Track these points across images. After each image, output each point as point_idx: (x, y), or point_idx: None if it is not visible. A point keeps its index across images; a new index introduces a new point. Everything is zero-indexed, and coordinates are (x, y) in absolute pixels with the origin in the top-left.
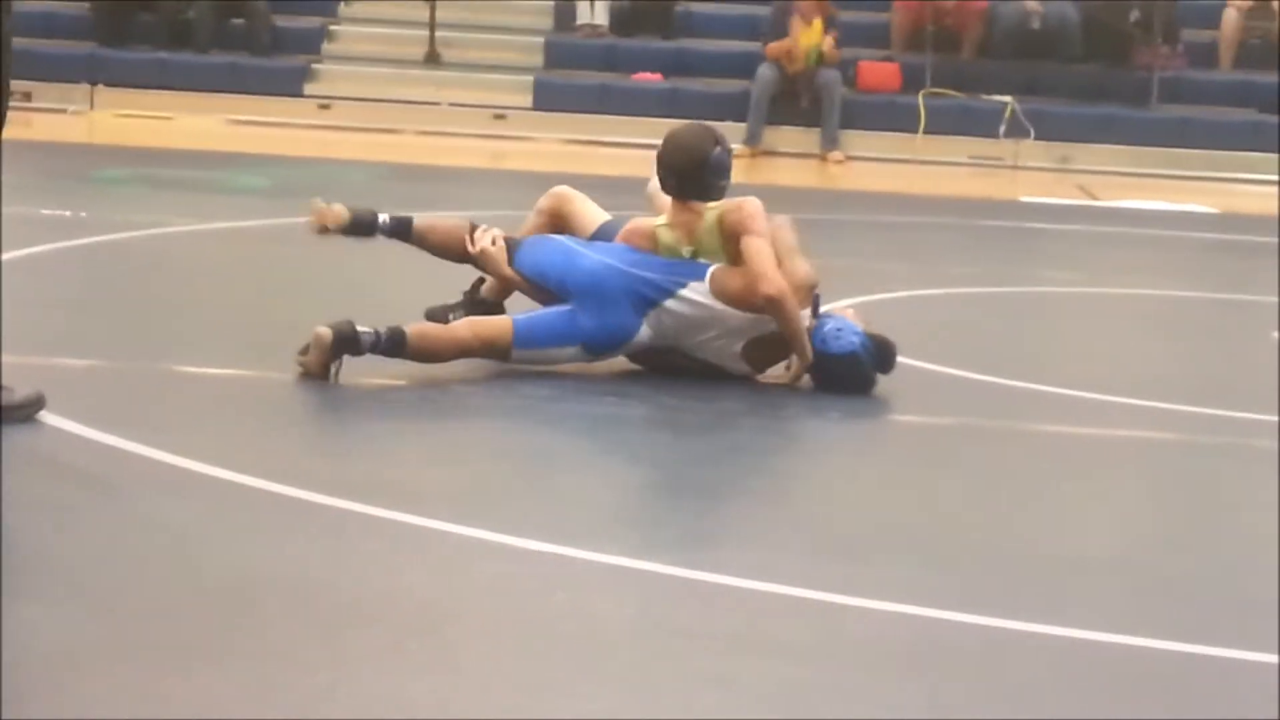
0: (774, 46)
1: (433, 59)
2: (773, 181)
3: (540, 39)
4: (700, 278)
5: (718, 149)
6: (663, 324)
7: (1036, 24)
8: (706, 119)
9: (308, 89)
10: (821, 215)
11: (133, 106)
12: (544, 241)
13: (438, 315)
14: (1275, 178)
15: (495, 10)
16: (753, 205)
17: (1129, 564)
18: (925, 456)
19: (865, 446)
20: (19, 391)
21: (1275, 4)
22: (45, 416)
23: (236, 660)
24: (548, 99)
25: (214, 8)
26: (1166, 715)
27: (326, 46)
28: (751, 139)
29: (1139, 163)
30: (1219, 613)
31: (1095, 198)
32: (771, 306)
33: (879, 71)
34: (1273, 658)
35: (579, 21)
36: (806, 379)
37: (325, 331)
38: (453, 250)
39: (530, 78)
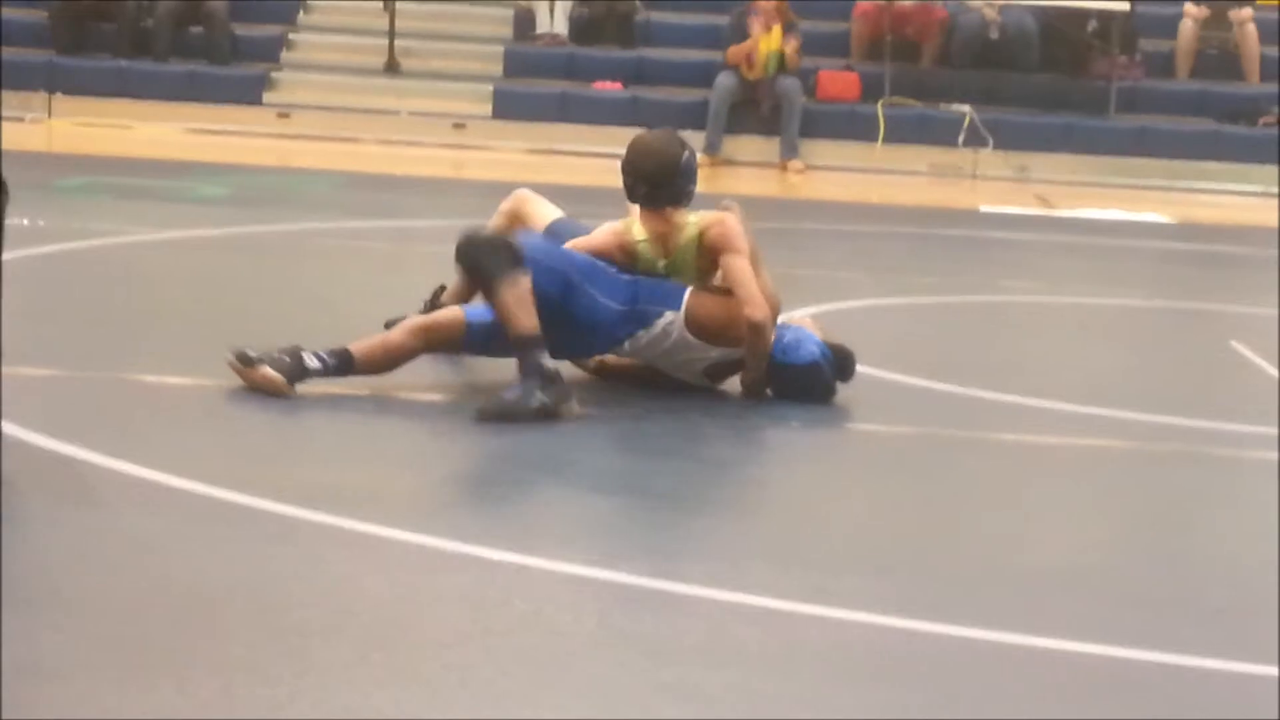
0: (734, 50)
1: (392, 68)
2: (732, 190)
3: (500, 48)
4: (676, 307)
5: (686, 153)
6: (632, 347)
7: (995, 34)
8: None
9: (267, 98)
10: (781, 224)
11: (91, 115)
12: (551, 264)
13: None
14: (1232, 187)
15: (455, 19)
16: (734, 221)
17: (1088, 572)
18: (886, 466)
19: (826, 456)
20: None
21: (1232, 14)
22: (3, 426)
23: (197, 671)
24: (507, 108)
25: (173, 16)
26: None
27: (286, 55)
28: (711, 148)
29: (1097, 172)
30: (1179, 620)
31: (1053, 207)
32: (754, 331)
33: (838, 81)
34: (1230, 664)
35: (539, 30)
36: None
37: (276, 377)
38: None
39: (490, 86)
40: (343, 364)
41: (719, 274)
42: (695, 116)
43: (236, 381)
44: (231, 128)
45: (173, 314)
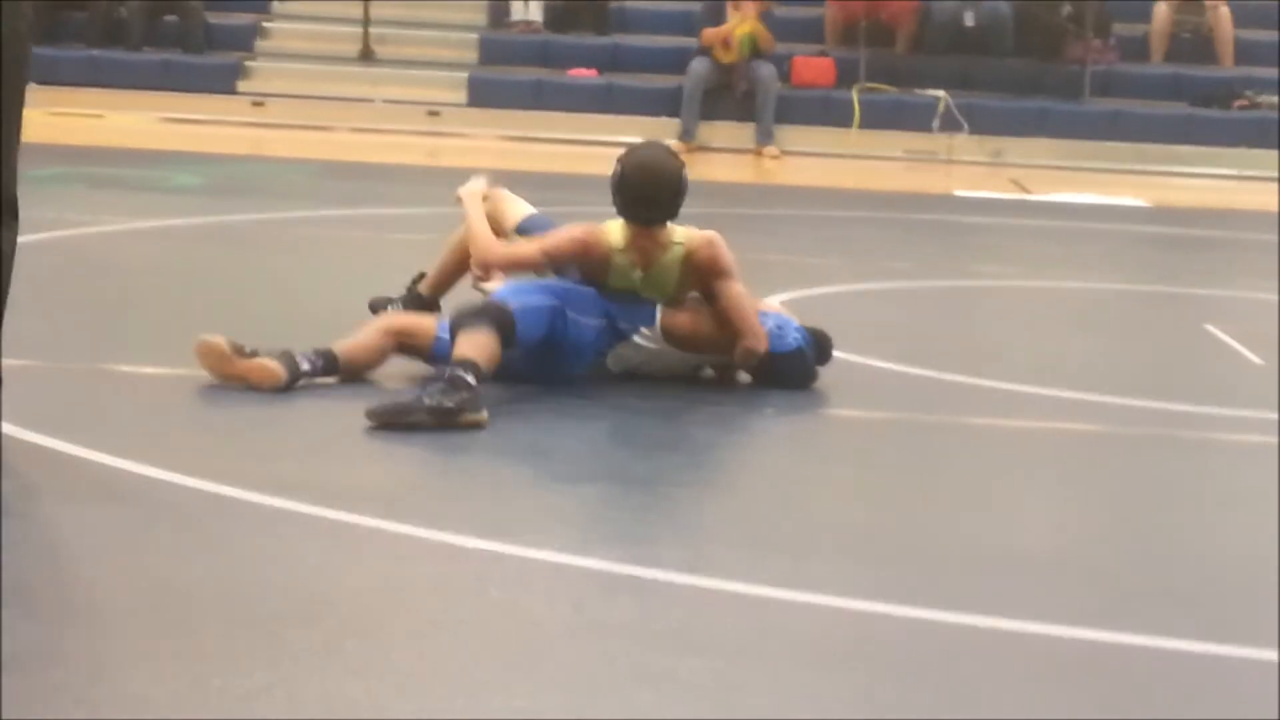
0: (709, 32)
1: (367, 56)
2: (707, 177)
3: (475, 35)
4: (651, 324)
5: (683, 169)
6: (613, 360)
7: (970, 19)
8: (641, 114)
9: (241, 86)
10: (756, 210)
11: (65, 104)
12: (534, 310)
13: (379, 306)
14: (1206, 171)
15: (429, 7)
16: (722, 242)
17: (1063, 555)
18: (861, 451)
19: (802, 442)
20: None
21: None
22: None
23: (171, 661)
24: (482, 95)
25: (146, 5)
26: (1103, 705)
27: (260, 43)
28: (686, 134)
29: (1071, 156)
30: (1154, 603)
31: (1028, 191)
32: (749, 356)
33: (813, 66)
34: (1205, 646)
35: (513, 18)
36: (743, 374)
37: (275, 366)
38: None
39: (465, 74)
40: (329, 364)
41: (695, 293)
42: (670, 103)
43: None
44: (206, 116)
45: (147, 304)
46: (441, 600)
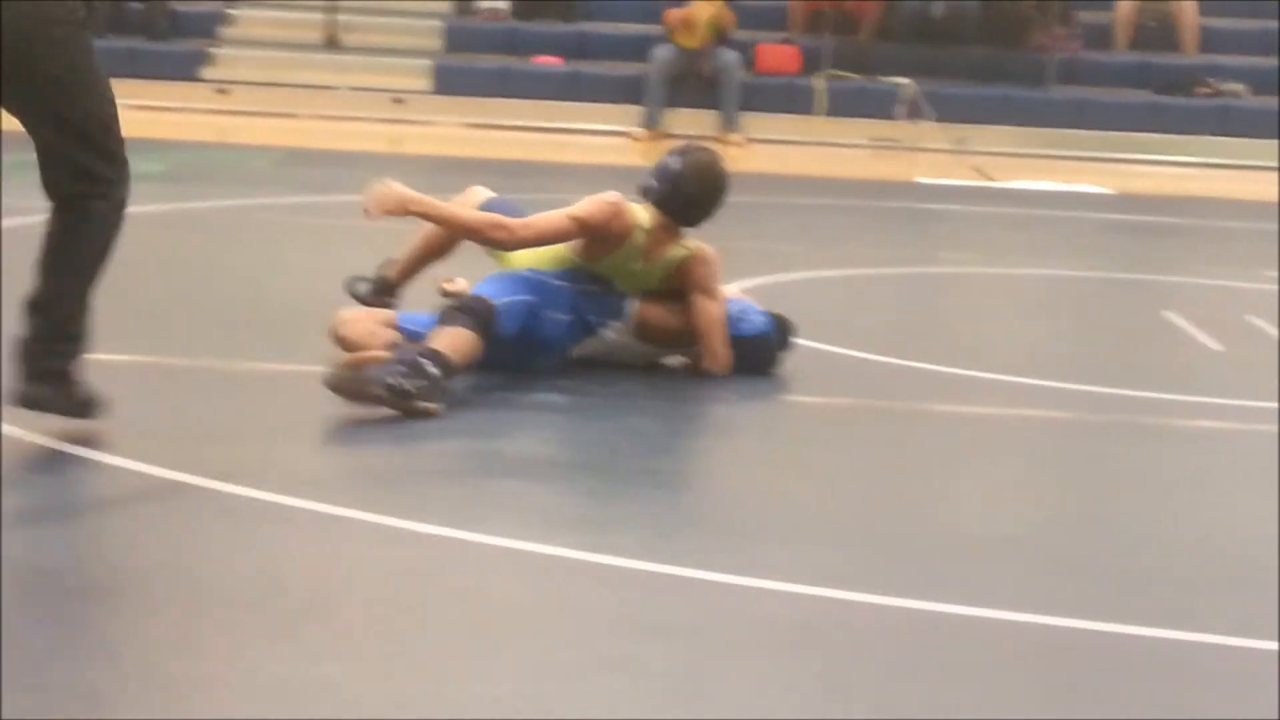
0: (671, 13)
1: (332, 43)
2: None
3: (440, 23)
4: (622, 318)
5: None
6: (581, 353)
7: (935, 7)
8: (606, 102)
9: (205, 73)
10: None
11: None
12: (511, 303)
13: (353, 285)
14: (1169, 158)
15: None
16: (717, 261)
17: (1024, 541)
18: (823, 437)
19: (763, 428)
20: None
21: None
22: None
23: (127, 645)
24: (448, 83)
25: None
26: (1066, 692)
27: (224, 31)
28: (650, 121)
29: (1035, 144)
30: (1114, 589)
31: (991, 179)
32: (710, 373)
33: (777, 54)
34: (1165, 632)
35: (479, 5)
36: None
37: (432, 407)
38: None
39: (430, 61)
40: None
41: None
42: (635, 90)
43: (172, 357)
44: (170, 104)
45: (110, 290)
46: (401, 586)
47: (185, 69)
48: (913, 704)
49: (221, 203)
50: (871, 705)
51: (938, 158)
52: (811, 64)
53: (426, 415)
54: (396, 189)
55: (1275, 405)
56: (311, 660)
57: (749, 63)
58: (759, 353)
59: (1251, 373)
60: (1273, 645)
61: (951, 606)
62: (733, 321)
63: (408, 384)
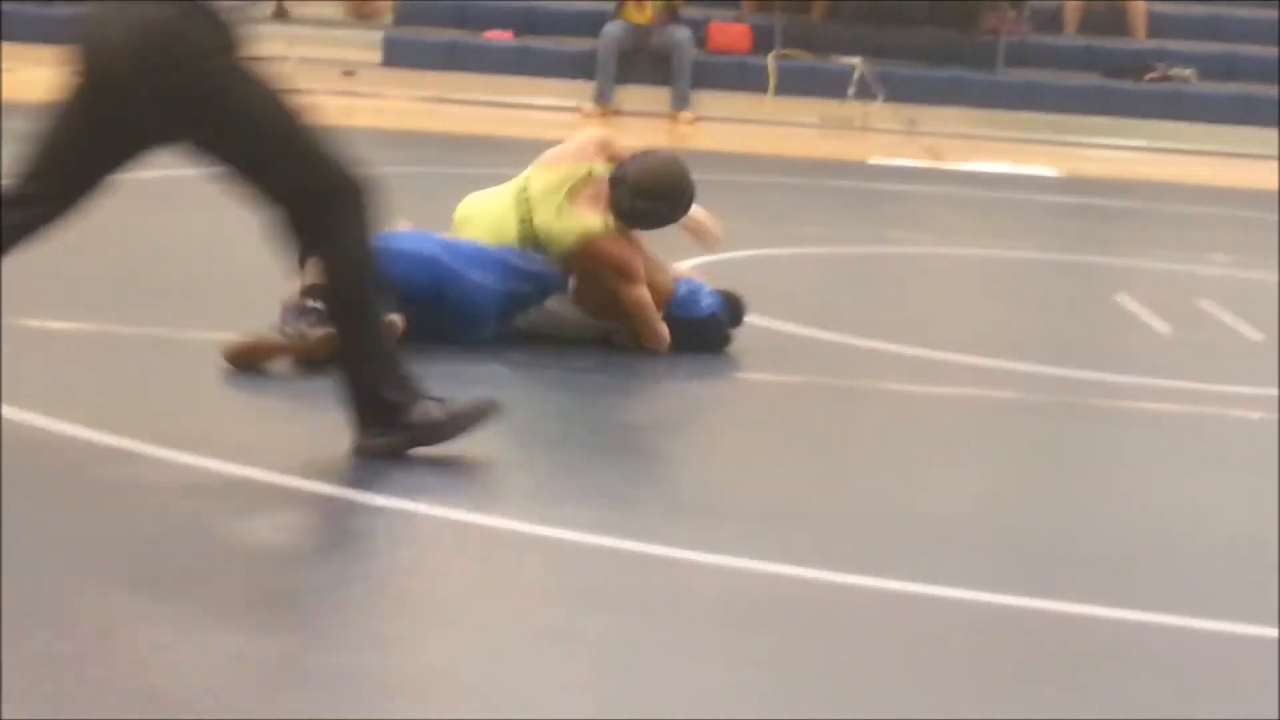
0: None
1: (281, 14)
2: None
3: None
4: (561, 291)
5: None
6: (525, 324)
7: None
8: (556, 77)
9: None
10: None
11: None
12: (418, 252)
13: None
14: (1118, 142)
15: None
16: (627, 252)
17: (972, 520)
18: (773, 415)
19: (714, 405)
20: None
21: None
22: None
23: (76, 615)
24: (397, 56)
25: None
26: (1013, 669)
27: None
28: (601, 97)
29: (985, 125)
30: (1063, 568)
31: (941, 160)
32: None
33: (729, 32)
34: (1114, 612)
35: None
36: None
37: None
38: None
39: (380, 34)
40: None
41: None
42: (585, 66)
43: (120, 326)
44: None
45: (56, 258)
46: (351, 557)
47: None
48: (862, 681)
49: (167, 172)
50: (822, 682)
51: (888, 138)
52: (763, 42)
53: (321, 353)
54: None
55: (1225, 389)
56: (263, 632)
57: (700, 40)
58: (710, 333)
59: (1200, 356)
60: (1218, 625)
61: (901, 584)
62: (683, 302)
63: (304, 326)
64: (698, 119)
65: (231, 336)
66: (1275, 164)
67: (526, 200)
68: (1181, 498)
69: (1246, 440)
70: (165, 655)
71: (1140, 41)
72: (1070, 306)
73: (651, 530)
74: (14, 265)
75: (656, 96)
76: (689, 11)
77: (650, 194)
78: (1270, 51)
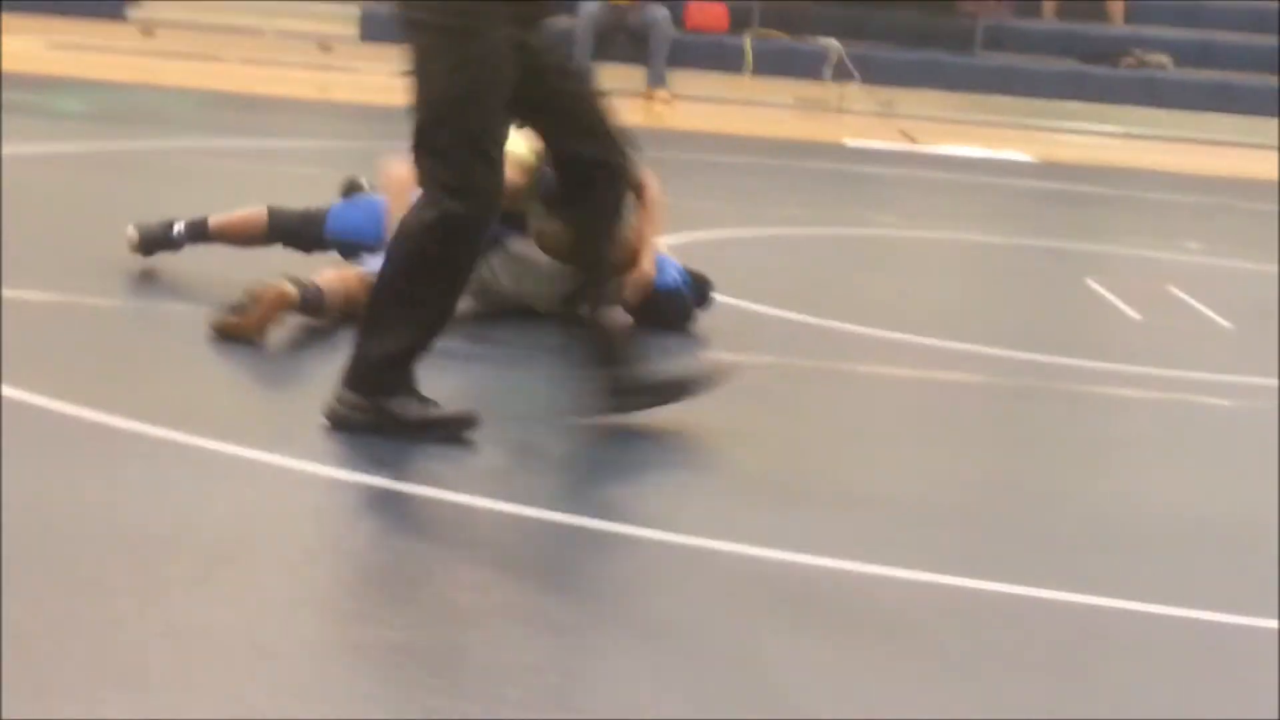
0: None
1: None
2: None
3: None
4: (524, 233)
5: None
6: (490, 274)
7: None
8: None
9: (130, 13)
10: (645, 154)
11: None
12: (355, 207)
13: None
14: (1093, 128)
15: None
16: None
17: (940, 504)
18: (742, 394)
19: None
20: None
21: None
22: None
23: (41, 585)
24: (375, 30)
25: None
26: (973, 652)
27: None
28: None
29: (961, 109)
30: (1029, 553)
31: (916, 142)
32: (637, 289)
33: (707, 12)
34: (1079, 597)
35: None
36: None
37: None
38: (256, 239)
39: (357, 8)
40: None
41: None
42: (563, 44)
43: (91, 297)
44: (94, 43)
45: (31, 229)
46: (316, 531)
47: (110, 8)
48: (820, 661)
49: (143, 144)
50: (783, 662)
51: (864, 120)
52: (740, 22)
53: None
54: None
55: (1194, 375)
56: (224, 602)
57: (678, 19)
58: (672, 306)
59: (1170, 343)
60: (1184, 612)
61: (863, 566)
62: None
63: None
64: (674, 98)
65: (210, 309)
66: (1249, 151)
67: None
68: (1149, 483)
69: (1215, 427)
70: (126, 627)
71: (1117, 27)
72: (1042, 291)
73: (615, 508)
74: None
75: (633, 75)
76: None
77: None
78: (1246, 39)
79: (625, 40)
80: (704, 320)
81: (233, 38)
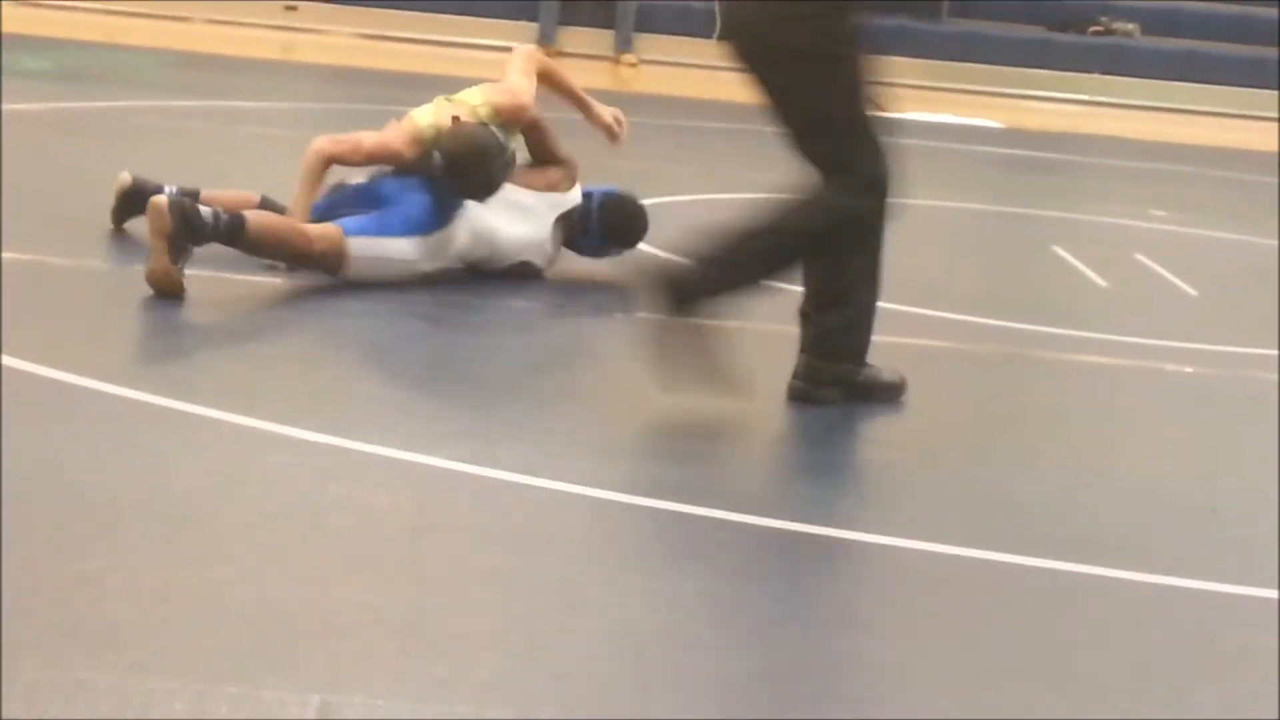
0: None
1: None
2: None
3: None
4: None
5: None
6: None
7: None
8: (500, 18)
9: None
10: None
11: None
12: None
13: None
14: (1060, 95)
15: None
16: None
17: (905, 468)
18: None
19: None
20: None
21: None
22: None
23: (2, 543)
24: None
25: None
26: (951, 617)
27: None
28: (544, 38)
29: (928, 76)
30: (991, 518)
31: (884, 109)
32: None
33: None
34: (1045, 562)
35: None
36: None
37: (160, 201)
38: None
39: None
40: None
41: None
42: (529, 7)
43: (57, 257)
44: (57, 1)
45: None
46: (281, 493)
47: None
48: (798, 623)
49: (105, 103)
50: (755, 624)
51: None
52: None
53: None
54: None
55: (1159, 343)
56: (188, 564)
57: None
58: (626, 210)
59: (1136, 310)
60: (1154, 578)
61: (830, 530)
62: (593, 193)
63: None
64: (641, 62)
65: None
66: (1216, 120)
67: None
68: (1115, 449)
69: (1179, 394)
70: (93, 588)
71: None
72: (1010, 258)
73: (582, 472)
74: None
75: (600, 39)
76: None
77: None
78: (1214, 8)
79: (592, 4)
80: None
81: None
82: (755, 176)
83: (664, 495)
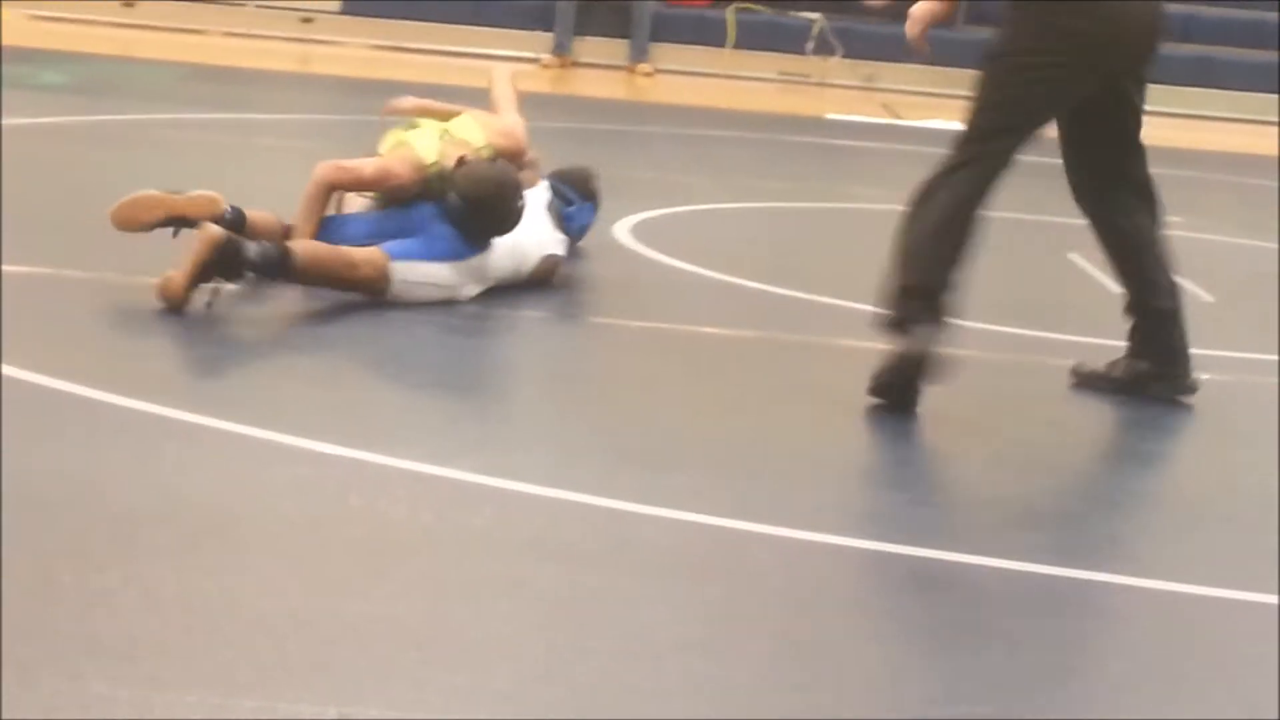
0: None
1: None
2: (579, 92)
3: None
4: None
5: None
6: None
7: None
8: (515, 28)
9: None
10: (628, 127)
11: None
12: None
13: None
14: None
15: None
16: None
17: (919, 479)
18: (725, 368)
19: (665, 356)
20: None
21: None
22: None
23: (21, 556)
24: (357, 3)
25: None
26: (948, 622)
27: None
28: (559, 48)
29: (943, 83)
30: (1012, 526)
31: (899, 116)
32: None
33: None
34: (1056, 569)
35: None
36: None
37: (213, 233)
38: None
39: None
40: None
41: None
42: (544, 17)
43: (74, 270)
44: (76, 15)
45: (10, 201)
46: (301, 504)
47: None
48: (806, 632)
49: (124, 116)
50: (767, 633)
51: (846, 94)
52: None
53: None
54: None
55: None
56: (207, 574)
57: None
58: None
59: None
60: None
61: (848, 540)
62: (571, 216)
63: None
64: (656, 71)
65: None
66: (1232, 126)
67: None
68: (1132, 454)
69: (1198, 400)
70: (112, 599)
71: None
72: (1024, 265)
73: (599, 482)
74: None
75: (615, 48)
76: None
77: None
78: (1227, 13)
79: (607, 14)
80: (686, 295)
81: (214, 11)
82: (770, 185)
83: (682, 505)
